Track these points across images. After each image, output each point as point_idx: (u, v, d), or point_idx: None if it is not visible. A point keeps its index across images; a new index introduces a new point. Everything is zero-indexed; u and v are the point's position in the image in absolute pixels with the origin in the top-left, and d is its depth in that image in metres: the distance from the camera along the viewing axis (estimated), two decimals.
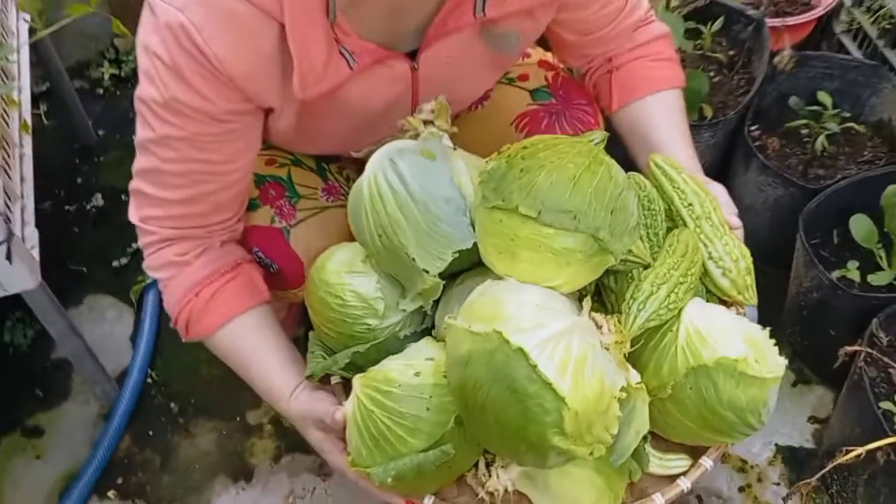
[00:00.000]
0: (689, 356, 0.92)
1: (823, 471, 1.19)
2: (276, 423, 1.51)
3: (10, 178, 1.27)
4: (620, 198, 0.91)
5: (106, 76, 2.06)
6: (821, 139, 1.62)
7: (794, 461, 1.44)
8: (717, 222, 1.06)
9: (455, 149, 1.02)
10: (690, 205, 1.06)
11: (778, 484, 1.41)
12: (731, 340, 0.93)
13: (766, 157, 1.59)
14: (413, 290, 0.99)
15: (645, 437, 0.97)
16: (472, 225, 0.96)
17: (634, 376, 0.90)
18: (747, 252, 1.06)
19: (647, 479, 1.02)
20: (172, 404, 1.52)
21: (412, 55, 1.04)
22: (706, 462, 1.01)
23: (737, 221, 1.08)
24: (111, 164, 1.89)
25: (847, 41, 1.86)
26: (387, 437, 0.93)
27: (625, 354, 0.90)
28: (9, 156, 1.29)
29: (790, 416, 1.51)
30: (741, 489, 1.42)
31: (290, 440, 1.48)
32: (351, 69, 0.97)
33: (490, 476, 1.00)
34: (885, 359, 1.27)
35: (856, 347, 1.27)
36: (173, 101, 0.92)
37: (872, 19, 1.77)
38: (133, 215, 1.05)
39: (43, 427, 1.50)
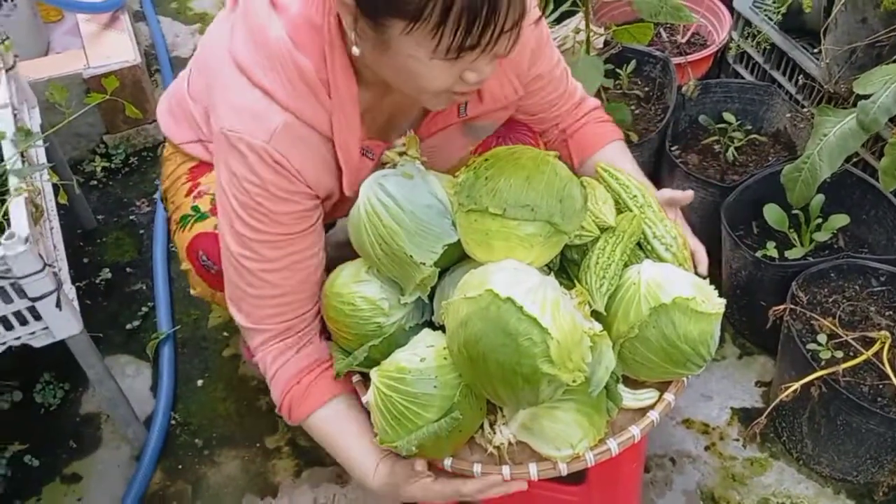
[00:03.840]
0: (651, 300, 1.09)
1: (770, 406, 1.37)
2: (292, 444, 1.61)
3: (45, 245, 1.43)
4: (566, 188, 1.09)
5: (98, 169, 2.23)
6: (731, 150, 1.85)
7: (748, 419, 1.59)
8: (657, 209, 1.26)
9: (427, 169, 1.20)
10: (634, 196, 1.27)
11: (737, 440, 1.58)
12: (682, 285, 1.09)
13: (687, 169, 1.80)
14: (412, 283, 1.14)
15: (616, 378, 1.14)
16: (454, 224, 1.14)
17: (597, 326, 1.07)
18: (682, 231, 1.26)
19: (622, 417, 1.15)
20: (197, 440, 1.62)
21: None
22: (668, 396, 1.16)
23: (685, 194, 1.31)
24: (112, 244, 2.05)
25: (740, 68, 2.11)
26: (405, 415, 1.07)
27: (589, 312, 1.11)
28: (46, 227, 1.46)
29: (740, 383, 1.68)
30: (706, 448, 1.57)
31: (308, 457, 1.58)
32: (372, 160, 1.19)
33: (495, 433, 1.14)
34: (807, 312, 1.46)
35: (782, 306, 1.47)
36: (268, 212, 1.10)
37: (755, 46, 2.03)
38: (244, 320, 1.19)
39: (80, 473, 1.57)
